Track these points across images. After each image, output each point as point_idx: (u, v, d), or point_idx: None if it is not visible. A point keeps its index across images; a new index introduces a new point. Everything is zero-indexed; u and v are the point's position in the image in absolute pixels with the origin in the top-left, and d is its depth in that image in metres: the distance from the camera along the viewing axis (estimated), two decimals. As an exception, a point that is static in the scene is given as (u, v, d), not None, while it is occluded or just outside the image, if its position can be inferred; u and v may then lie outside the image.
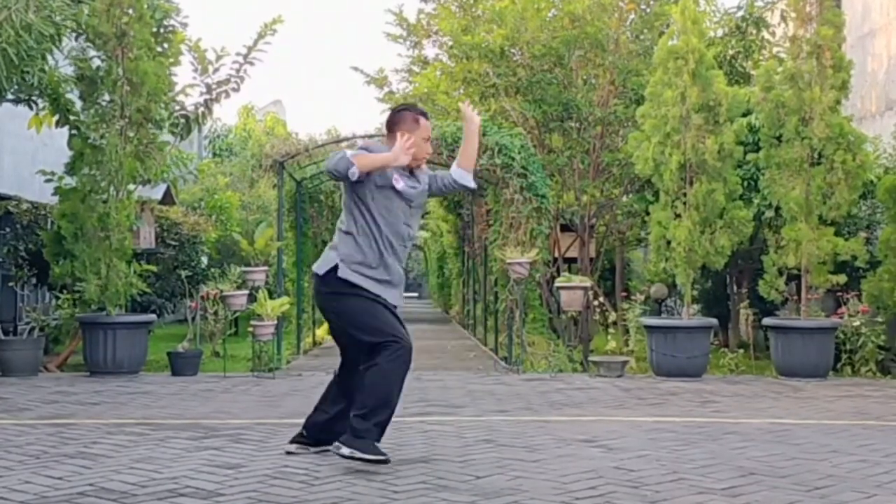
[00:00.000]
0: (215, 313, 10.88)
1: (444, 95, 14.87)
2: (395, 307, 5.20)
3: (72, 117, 10.15)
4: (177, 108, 11.09)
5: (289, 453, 5.42)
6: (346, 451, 4.90)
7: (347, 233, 5.18)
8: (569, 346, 11.11)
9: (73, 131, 10.14)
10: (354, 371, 5.22)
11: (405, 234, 5.25)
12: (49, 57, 9.57)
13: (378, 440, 5.00)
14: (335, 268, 5.12)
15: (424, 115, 5.39)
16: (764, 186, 10.54)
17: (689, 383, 9.32)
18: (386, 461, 4.91)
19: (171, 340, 12.61)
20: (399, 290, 5.23)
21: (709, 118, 10.04)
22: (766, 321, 10.39)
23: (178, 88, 10.98)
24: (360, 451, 4.89)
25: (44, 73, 9.53)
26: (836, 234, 10.27)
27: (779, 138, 10.26)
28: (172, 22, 10.79)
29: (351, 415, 5.02)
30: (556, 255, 14.24)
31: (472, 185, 5.47)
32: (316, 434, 5.43)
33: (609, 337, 11.30)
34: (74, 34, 10.14)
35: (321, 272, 5.18)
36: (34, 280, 11.57)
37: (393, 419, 6.01)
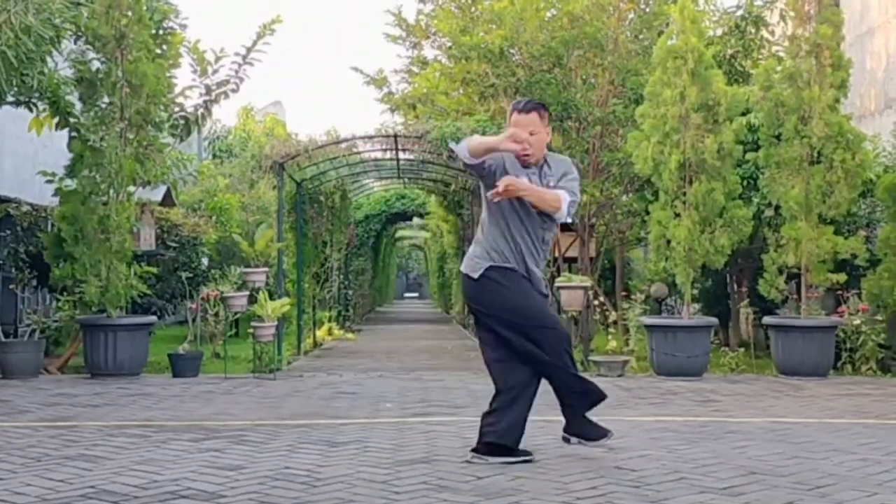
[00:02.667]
0: (216, 315, 10.88)
1: (444, 96, 14.87)
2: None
3: (72, 119, 10.15)
4: (176, 109, 11.09)
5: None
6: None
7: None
8: (569, 346, 11.08)
9: (73, 133, 10.15)
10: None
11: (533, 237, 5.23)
12: (49, 59, 9.57)
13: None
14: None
15: (518, 107, 5.28)
16: (763, 185, 10.55)
17: (690, 382, 9.33)
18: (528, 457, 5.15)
19: (171, 342, 12.61)
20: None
21: (708, 117, 10.05)
22: (767, 320, 10.40)
23: (177, 90, 10.99)
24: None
25: (43, 76, 9.53)
26: (836, 232, 10.27)
27: (778, 137, 10.27)
28: (171, 24, 10.79)
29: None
30: (556, 254, 14.23)
31: (562, 218, 5.26)
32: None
33: (609, 336, 11.30)
34: (74, 36, 10.14)
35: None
36: (35, 282, 11.57)
37: (393, 420, 6.04)
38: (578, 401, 5.35)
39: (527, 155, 5.16)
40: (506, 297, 5.16)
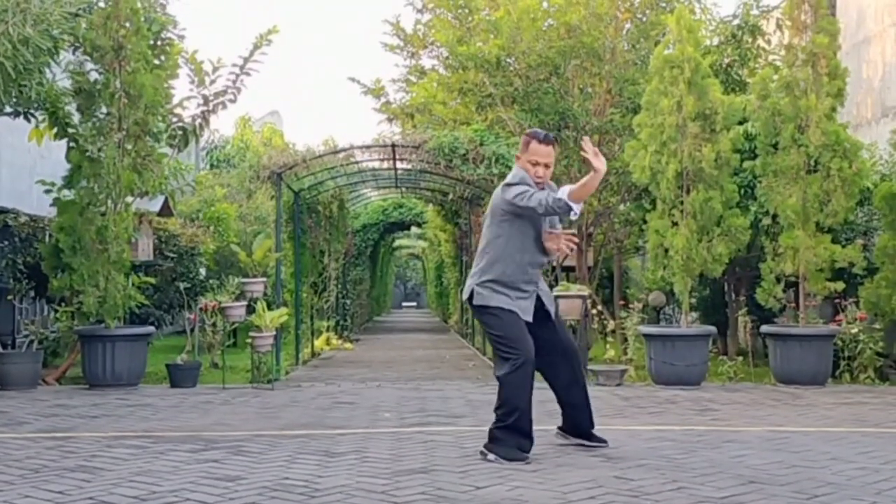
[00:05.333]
0: (214, 325, 10.87)
1: (441, 106, 14.88)
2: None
3: (70, 130, 10.16)
4: (174, 119, 11.11)
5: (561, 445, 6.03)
6: (490, 456, 5.55)
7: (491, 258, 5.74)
8: (567, 355, 11.09)
9: (71, 144, 10.16)
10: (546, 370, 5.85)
11: (539, 258, 5.76)
12: (47, 70, 9.59)
13: (515, 444, 5.56)
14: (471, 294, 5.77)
15: (538, 138, 5.72)
16: (761, 194, 10.57)
17: (688, 391, 9.33)
18: (525, 461, 5.46)
19: (169, 352, 12.60)
20: (529, 304, 5.70)
21: (705, 126, 10.07)
22: (765, 328, 10.40)
23: (175, 100, 11.00)
24: (499, 455, 5.51)
25: (42, 87, 9.56)
26: (834, 241, 10.29)
27: (775, 146, 10.29)
28: (169, 34, 10.82)
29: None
30: (554, 263, 14.24)
31: (576, 213, 5.61)
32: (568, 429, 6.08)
33: (608, 345, 11.31)
34: (72, 47, 10.16)
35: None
36: (32, 293, 11.57)
37: (392, 430, 6.04)
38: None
39: (540, 180, 5.72)
40: None
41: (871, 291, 10.24)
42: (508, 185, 5.69)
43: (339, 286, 19.05)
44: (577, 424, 5.99)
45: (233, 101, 11.27)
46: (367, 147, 12.95)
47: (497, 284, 5.65)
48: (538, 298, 5.76)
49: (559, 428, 6.12)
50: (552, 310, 5.84)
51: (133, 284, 10.37)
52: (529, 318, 5.66)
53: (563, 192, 5.51)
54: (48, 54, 9.21)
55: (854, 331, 10.02)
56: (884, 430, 6.84)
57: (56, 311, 10.52)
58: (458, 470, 5.30)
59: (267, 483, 4.97)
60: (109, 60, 9.97)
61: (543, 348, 5.70)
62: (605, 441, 5.97)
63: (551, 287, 12.07)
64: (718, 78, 11.46)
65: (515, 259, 5.66)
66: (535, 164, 5.67)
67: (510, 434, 5.58)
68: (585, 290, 10.96)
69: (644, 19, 14.09)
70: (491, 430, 5.65)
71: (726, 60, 13.75)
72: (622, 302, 13.20)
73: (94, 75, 10.18)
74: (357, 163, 13.69)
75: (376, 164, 13.94)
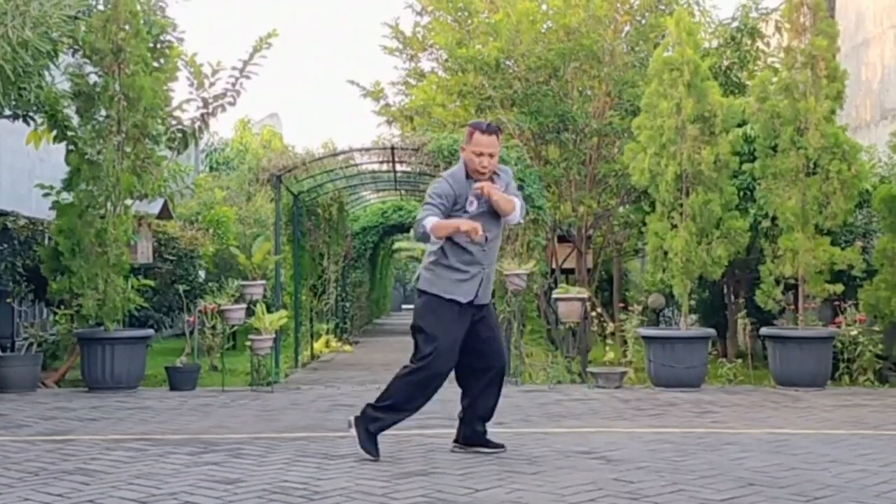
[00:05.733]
0: (213, 327, 10.87)
1: (440, 108, 14.89)
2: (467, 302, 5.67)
3: (69, 133, 10.15)
4: (173, 122, 11.10)
5: (453, 451, 5.97)
6: (353, 431, 5.71)
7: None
8: (567, 358, 11.11)
9: (71, 147, 10.15)
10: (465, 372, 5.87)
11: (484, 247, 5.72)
12: (46, 73, 9.59)
13: (377, 429, 5.73)
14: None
15: (481, 128, 5.72)
16: (760, 196, 10.57)
17: (688, 394, 9.32)
18: (374, 459, 5.59)
19: (169, 355, 12.59)
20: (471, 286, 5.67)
21: (704, 129, 10.07)
22: (764, 331, 10.40)
23: (174, 103, 11.00)
24: (359, 436, 5.68)
25: (41, 90, 9.54)
26: (833, 243, 10.28)
27: (774, 148, 10.29)
28: (169, 37, 10.82)
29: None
30: (554, 266, 14.25)
31: (434, 243, 5.68)
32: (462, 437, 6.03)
33: (607, 348, 11.30)
34: (71, 50, 10.16)
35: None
36: (32, 296, 11.56)
37: (392, 432, 6.04)
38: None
39: (485, 170, 5.69)
40: None
41: (871, 293, 10.24)
42: (438, 181, 5.86)
43: (339, 289, 19.05)
44: (475, 431, 5.93)
45: (232, 104, 11.27)
46: (367, 149, 12.95)
47: (438, 266, 5.70)
48: (480, 283, 5.72)
49: (455, 441, 6.02)
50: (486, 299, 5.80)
51: (132, 287, 10.36)
52: (469, 298, 5.64)
53: (431, 222, 5.54)
54: (47, 57, 9.20)
55: (853, 333, 10.01)
56: (883, 433, 6.84)
57: (55, 313, 10.51)
58: (458, 472, 5.29)
59: (266, 486, 4.97)
60: (108, 63, 9.97)
61: (467, 344, 5.70)
62: (502, 445, 5.91)
63: (550, 289, 12.15)
64: (718, 80, 11.47)
65: (451, 238, 5.69)
66: (480, 154, 5.66)
67: (384, 413, 5.72)
68: (585, 293, 10.96)
69: (643, 22, 14.11)
70: (367, 406, 5.78)
71: (725, 63, 13.78)
72: (621, 304, 13.21)
73: (93, 78, 10.18)
74: (356, 165, 13.70)
75: (375, 167, 13.95)
